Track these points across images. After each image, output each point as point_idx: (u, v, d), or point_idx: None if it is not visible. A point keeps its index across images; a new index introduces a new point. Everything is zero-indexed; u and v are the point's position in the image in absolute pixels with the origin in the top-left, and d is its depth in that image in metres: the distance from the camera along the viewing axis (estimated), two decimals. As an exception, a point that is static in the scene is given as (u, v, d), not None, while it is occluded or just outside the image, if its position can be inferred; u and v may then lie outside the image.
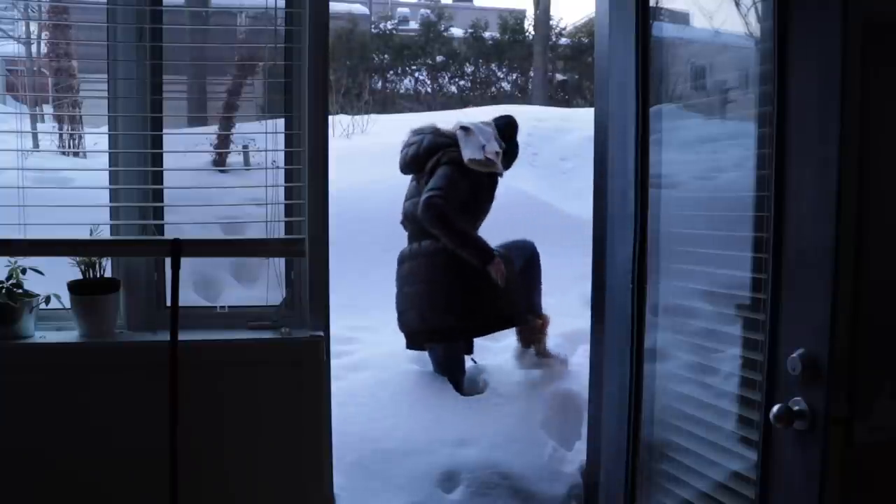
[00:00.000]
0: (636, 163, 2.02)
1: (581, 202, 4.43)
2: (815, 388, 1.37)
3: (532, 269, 3.56)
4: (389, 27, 15.89)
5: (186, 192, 2.38)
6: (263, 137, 2.30)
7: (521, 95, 14.98)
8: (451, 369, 3.42)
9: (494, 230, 3.61)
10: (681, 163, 2.07)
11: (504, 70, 15.59)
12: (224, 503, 2.29)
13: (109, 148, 2.31)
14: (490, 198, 3.48)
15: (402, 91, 15.34)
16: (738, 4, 1.81)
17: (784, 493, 1.48)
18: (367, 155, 6.32)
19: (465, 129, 3.42)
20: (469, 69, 15.41)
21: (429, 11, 16.49)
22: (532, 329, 3.56)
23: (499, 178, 3.51)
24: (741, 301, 1.75)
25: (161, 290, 2.34)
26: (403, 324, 3.48)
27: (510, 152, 3.58)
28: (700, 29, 2.09)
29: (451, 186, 3.27)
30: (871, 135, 1.34)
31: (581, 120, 7.66)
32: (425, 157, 3.44)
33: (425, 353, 3.53)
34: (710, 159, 2.02)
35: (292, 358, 2.28)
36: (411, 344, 3.51)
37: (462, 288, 3.32)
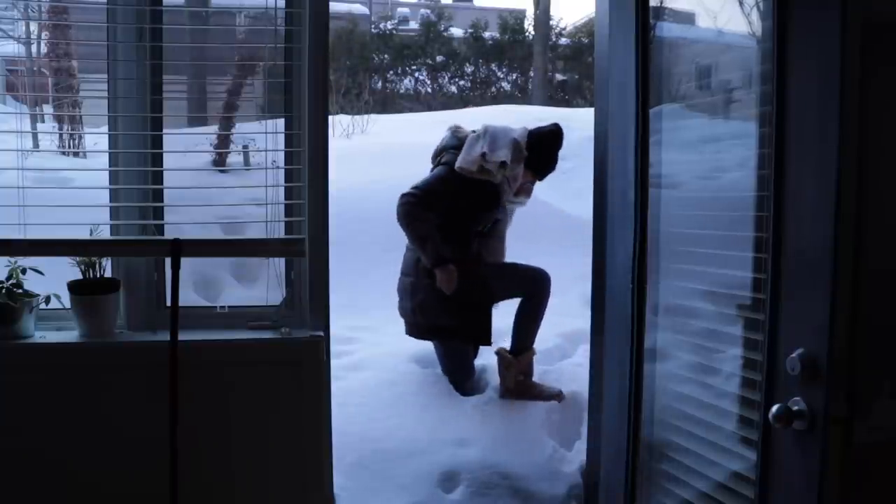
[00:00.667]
0: (636, 163, 2.02)
1: (581, 202, 4.43)
2: (815, 388, 1.37)
3: (534, 300, 3.42)
4: (389, 27, 15.88)
5: (186, 192, 2.38)
6: (263, 137, 2.30)
7: (521, 95, 14.97)
8: (450, 368, 3.42)
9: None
10: (682, 163, 2.07)
11: (504, 70, 15.59)
12: (224, 503, 2.29)
13: (109, 148, 2.32)
14: (488, 206, 3.35)
15: (402, 91, 15.34)
16: (741, 4, 1.81)
17: (784, 494, 1.48)
18: (367, 155, 6.33)
19: (476, 133, 3.40)
20: (469, 69, 15.41)
21: (429, 11, 16.49)
22: (506, 361, 3.37)
23: (503, 188, 3.35)
24: (742, 301, 1.75)
25: (161, 290, 2.34)
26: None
27: (537, 165, 3.44)
28: (702, 28, 2.09)
29: (432, 186, 3.29)
30: (870, 135, 1.34)
31: (581, 120, 7.64)
32: (437, 154, 3.49)
33: (425, 353, 3.53)
34: (710, 159, 2.01)
35: (292, 358, 2.28)
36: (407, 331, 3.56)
37: (429, 288, 3.31)
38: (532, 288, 3.44)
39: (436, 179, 3.33)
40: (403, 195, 3.27)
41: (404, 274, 3.45)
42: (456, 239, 3.31)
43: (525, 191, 3.53)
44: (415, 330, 3.45)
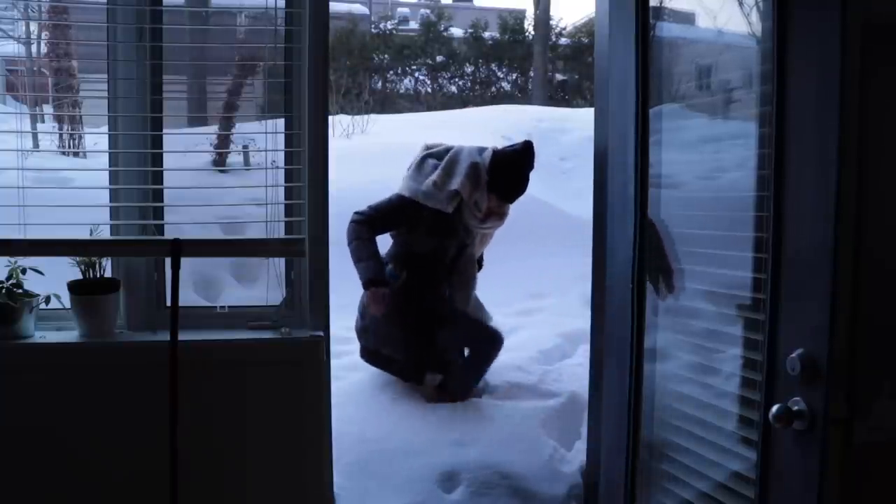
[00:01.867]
0: (636, 163, 2.02)
1: (581, 202, 4.44)
2: (815, 389, 1.37)
3: (479, 357, 3.34)
4: (389, 27, 15.88)
5: (186, 192, 2.38)
6: (263, 137, 2.30)
7: (521, 95, 14.96)
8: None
9: (495, 232, 3.60)
10: (682, 163, 2.07)
11: (504, 70, 15.58)
12: (224, 503, 2.29)
13: (109, 148, 2.32)
14: (446, 234, 3.25)
15: (402, 91, 15.32)
16: (741, 4, 1.81)
17: (783, 494, 1.48)
18: (367, 155, 6.33)
19: (429, 151, 3.33)
20: (469, 69, 15.40)
21: (429, 11, 16.48)
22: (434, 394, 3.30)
23: (459, 216, 3.24)
24: (742, 301, 1.75)
25: (161, 290, 2.34)
26: None
27: (503, 189, 3.25)
28: (702, 28, 2.09)
29: (383, 212, 3.23)
30: (870, 135, 1.35)
31: (581, 120, 7.67)
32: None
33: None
34: (711, 159, 2.02)
35: (292, 358, 2.28)
36: None
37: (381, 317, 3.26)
38: (480, 345, 3.35)
39: (387, 206, 3.25)
40: (354, 212, 3.22)
41: (364, 295, 3.37)
42: (423, 269, 3.25)
43: (496, 215, 3.33)
44: (363, 352, 3.40)
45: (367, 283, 3.16)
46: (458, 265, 3.35)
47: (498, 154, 3.28)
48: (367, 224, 3.19)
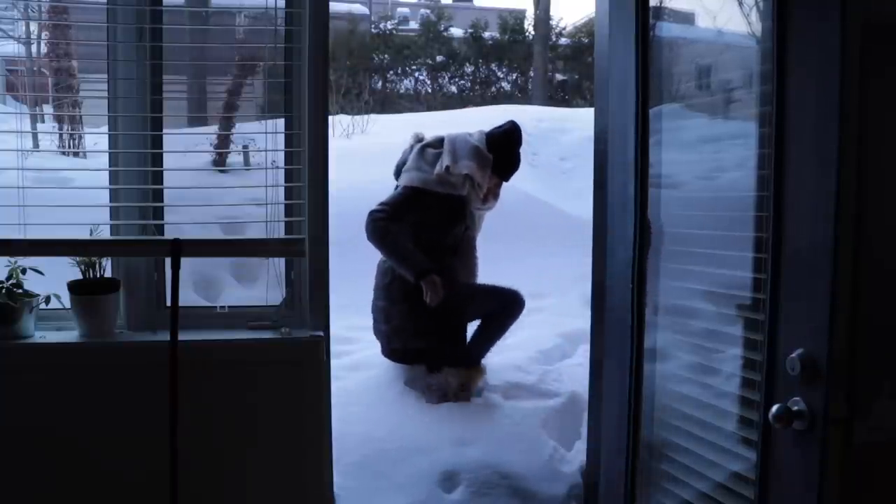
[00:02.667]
0: (636, 163, 2.02)
1: (581, 202, 4.43)
2: (815, 389, 1.37)
3: (500, 317, 3.34)
4: (389, 27, 15.87)
5: (186, 192, 2.38)
6: (263, 137, 2.30)
7: (521, 95, 14.96)
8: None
9: (494, 231, 3.60)
10: (682, 163, 2.07)
11: (504, 70, 15.57)
12: (224, 503, 2.29)
13: (109, 148, 2.32)
14: (456, 219, 3.28)
15: (402, 91, 15.31)
16: (740, 4, 1.81)
17: (783, 494, 1.48)
18: (367, 155, 6.32)
19: (422, 143, 3.35)
20: (469, 69, 15.39)
21: (429, 11, 16.48)
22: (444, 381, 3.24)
23: (466, 198, 3.26)
24: (742, 301, 1.75)
25: (161, 290, 2.34)
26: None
27: (501, 168, 3.34)
28: (702, 28, 2.09)
29: (400, 204, 3.22)
30: (870, 135, 1.35)
31: (581, 120, 7.66)
32: (399, 169, 3.43)
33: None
34: (711, 159, 2.02)
35: (292, 358, 2.29)
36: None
37: (402, 313, 3.26)
38: (503, 306, 3.34)
39: (402, 199, 3.25)
40: (372, 212, 3.19)
41: (376, 298, 3.38)
42: (431, 256, 3.21)
43: (492, 195, 3.41)
44: (389, 352, 3.38)
45: (421, 274, 3.14)
46: (459, 250, 3.36)
47: (492, 136, 3.37)
48: (391, 219, 3.18)
